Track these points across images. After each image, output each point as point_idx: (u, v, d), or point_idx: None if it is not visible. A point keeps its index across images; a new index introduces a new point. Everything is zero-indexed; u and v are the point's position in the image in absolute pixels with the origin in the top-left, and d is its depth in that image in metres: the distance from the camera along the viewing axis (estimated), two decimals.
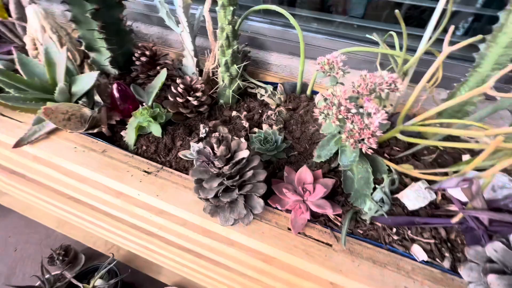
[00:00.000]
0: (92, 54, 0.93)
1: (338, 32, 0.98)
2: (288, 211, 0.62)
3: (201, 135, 0.76)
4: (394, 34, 0.74)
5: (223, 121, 0.83)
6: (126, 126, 0.77)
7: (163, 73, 0.80)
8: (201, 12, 0.90)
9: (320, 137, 0.76)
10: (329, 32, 0.99)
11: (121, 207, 0.73)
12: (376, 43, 0.82)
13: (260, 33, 1.06)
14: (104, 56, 0.91)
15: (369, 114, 0.50)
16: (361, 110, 0.51)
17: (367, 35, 0.82)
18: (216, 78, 0.94)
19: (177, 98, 0.79)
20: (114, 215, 0.82)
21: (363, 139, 0.49)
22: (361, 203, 0.59)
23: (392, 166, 0.59)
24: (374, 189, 0.57)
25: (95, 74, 0.72)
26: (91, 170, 0.68)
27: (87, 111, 0.71)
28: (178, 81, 0.79)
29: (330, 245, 0.56)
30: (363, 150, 0.50)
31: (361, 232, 0.58)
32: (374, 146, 0.48)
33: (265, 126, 0.81)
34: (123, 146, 0.77)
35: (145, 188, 0.65)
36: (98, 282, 1.11)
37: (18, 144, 0.70)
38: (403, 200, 0.60)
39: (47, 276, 1.09)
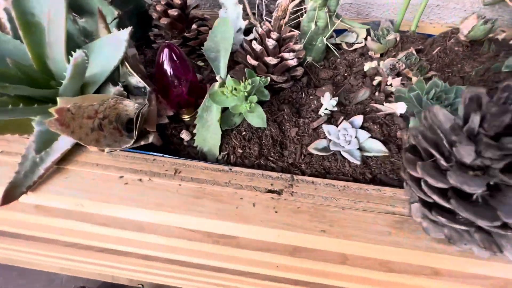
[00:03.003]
0: (81, 22, 0.56)
1: None
2: None
3: (322, 111, 0.46)
4: None
5: (334, 85, 0.53)
6: (185, 122, 0.45)
7: (223, 23, 0.47)
8: None
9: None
10: None
11: (220, 253, 0.44)
12: None
13: None
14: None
15: None
16: None
17: None
18: (293, 25, 0.62)
19: (265, 60, 0.47)
20: (200, 263, 0.52)
21: None
22: None
23: None
24: None
25: (124, 34, 0.37)
26: (169, 211, 0.37)
27: (129, 105, 0.37)
28: (264, 27, 0.46)
29: None
30: None
31: None
32: None
33: (396, 81, 0.53)
34: (193, 156, 0.46)
35: (289, 220, 0.35)
36: None
37: (9, 197, 0.36)
38: None
39: None
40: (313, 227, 0.35)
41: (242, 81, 0.39)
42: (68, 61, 0.33)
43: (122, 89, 0.37)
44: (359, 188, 0.38)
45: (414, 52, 0.56)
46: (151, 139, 0.40)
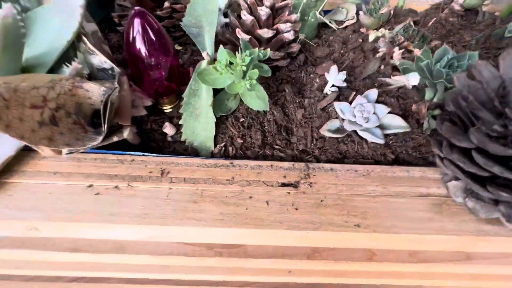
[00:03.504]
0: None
1: None
2: None
3: (329, 89, 0.40)
4: None
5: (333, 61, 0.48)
6: (167, 114, 0.37)
7: None
8: None
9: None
10: None
11: (224, 266, 0.36)
12: None
13: None
14: None
15: None
16: None
17: None
18: None
19: (258, 32, 0.40)
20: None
21: None
22: None
23: None
24: None
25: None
26: (158, 223, 0.28)
27: (93, 89, 0.28)
28: None
29: None
30: None
31: None
32: None
33: (397, 54, 0.49)
34: (182, 154, 0.37)
35: (313, 217, 0.29)
36: None
37: None
38: None
39: None
40: (344, 222, 0.28)
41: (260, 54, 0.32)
42: None
43: (80, 65, 0.28)
44: (385, 171, 0.33)
45: (412, 23, 0.52)
46: (126, 133, 0.31)
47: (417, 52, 0.49)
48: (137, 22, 0.32)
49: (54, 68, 0.30)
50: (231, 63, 0.31)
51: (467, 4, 0.52)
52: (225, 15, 0.59)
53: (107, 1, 0.54)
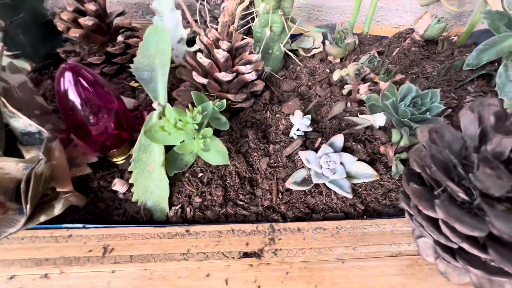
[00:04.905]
0: None
1: None
2: None
3: (294, 133, 0.38)
4: None
5: (300, 99, 0.46)
6: (119, 167, 0.33)
7: (156, 31, 0.36)
8: None
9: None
10: None
11: None
12: None
13: None
14: None
15: None
16: None
17: None
18: (243, 32, 0.53)
19: (217, 76, 0.37)
20: None
21: None
22: None
23: None
24: None
25: None
26: None
27: (9, 167, 0.23)
28: (210, 36, 0.36)
29: None
30: None
31: None
32: None
33: (363, 88, 0.48)
34: (134, 216, 0.33)
35: None
36: None
37: None
38: None
39: None
40: None
41: (189, 109, 0.29)
42: None
43: None
44: (354, 227, 0.31)
45: (376, 54, 0.52)
46: (58, 209, 0.26)
47: (382, 85, 0.49)
48: (68, 76, 0.28)
49: None
50: (180, 120, 0.28)
51: (426, 35, 0.52)
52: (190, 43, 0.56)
53: (51, 34, 0.49)
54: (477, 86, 0.48)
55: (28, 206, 0.24)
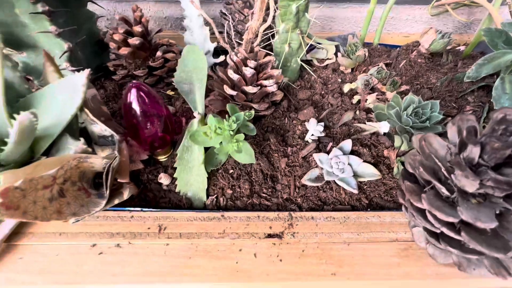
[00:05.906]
0: (21, 56, 0.48)
1: None
2: None
3: (309, 137, 0.44)
4: None
5: (313, 107, 0.52)
6: (162, 164, 0.41)
7: (193, 51, 0.44)
8: None
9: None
10: None
11: None
12: None
13: None
14: (52, 52, 0.47)
15: None
16: None
17: None
18: (263, 47, 0.60)
19: (244, 89, 0.44)
20: None
21: None
22: None
23: None
24: None
25: (81, 79, 0.32)
26: (160, 281, 0.31)
27: (96, 162, 0.31)
28: (239, 55, 0.44)
29: None
30: None
31: None
32: None
33: (371, 97, 0.54)
34: (177, 203, 0.40)
35: (296, 268, 0.32)
36: None
37: None
38: None
39: None
40: (322, 271, 0.32)
41: (224, 117, 0.36)
42: (11, 121, 0.27)
43: (85, 146, 0.31)
44: (359, 217, 0.37)
45: (383, 66, 0.57)
46: (126, 195, 0.34)
47: (389, 95, 0.55)
48: (133, 92, 0.36)
49: (59, 138, 0.34)
50: (220, 127, 0.35)
51: (431, 49, 0.57)
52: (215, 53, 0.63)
53: (102, 50, 0.58)
54: (477, 97, 0.52)
55: (108, 191, 0.32)
